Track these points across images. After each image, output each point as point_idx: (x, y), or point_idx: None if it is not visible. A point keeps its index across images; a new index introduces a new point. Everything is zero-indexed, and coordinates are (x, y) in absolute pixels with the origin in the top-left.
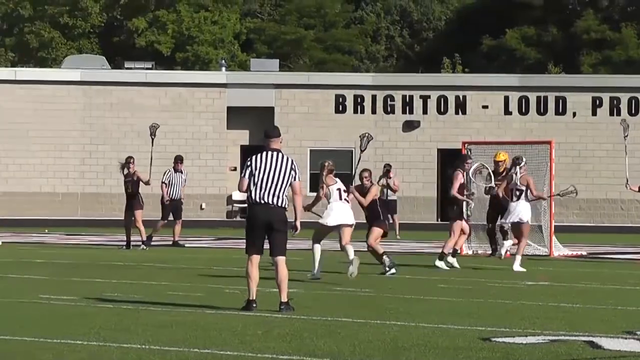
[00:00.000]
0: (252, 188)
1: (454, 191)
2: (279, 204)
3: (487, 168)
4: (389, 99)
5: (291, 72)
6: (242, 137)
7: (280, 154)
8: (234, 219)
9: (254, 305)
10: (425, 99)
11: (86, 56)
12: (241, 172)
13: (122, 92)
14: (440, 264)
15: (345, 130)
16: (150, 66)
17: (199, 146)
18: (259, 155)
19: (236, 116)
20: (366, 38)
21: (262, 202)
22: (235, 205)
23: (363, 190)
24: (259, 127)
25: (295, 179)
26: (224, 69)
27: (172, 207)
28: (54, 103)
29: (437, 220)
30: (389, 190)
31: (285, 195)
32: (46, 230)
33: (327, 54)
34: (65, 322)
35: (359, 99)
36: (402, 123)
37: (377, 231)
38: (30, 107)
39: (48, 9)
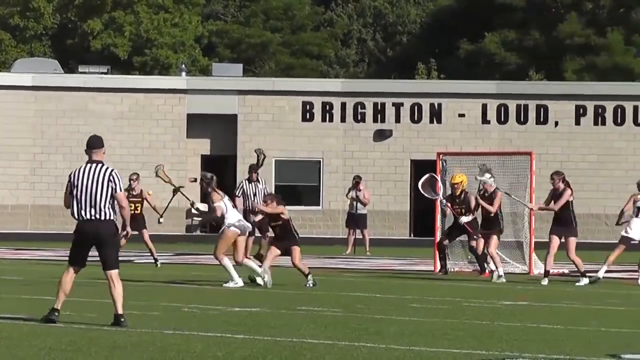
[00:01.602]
0: (74, 204)
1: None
2: (103, 218)
3: (436, 179)
4: (359, 107)
5: (256, 77)
6: (203, 146)
7: (99, 166)
8: (194, 233)
9: (56, 314)
10: (398, 106)
11: (38, 60)
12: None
13: (75, 97)
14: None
15: (313, 139)
16: (106, 70)
17: (157, 156)
18: (79, 169)
19: (197, 124)
20: (336, 42)
21: (86, 217)
22: (194, 219)
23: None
24: (221, 136)
25: (116, 191)
26: (184, 73)
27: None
28: (3, 109)
29: (410, 236)
30: (358, 204)
31: (110, 207)
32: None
33: (294, 59)
34: (14, 342)
35: (327, 107)
36: (373, 132)
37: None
38: None
39: None
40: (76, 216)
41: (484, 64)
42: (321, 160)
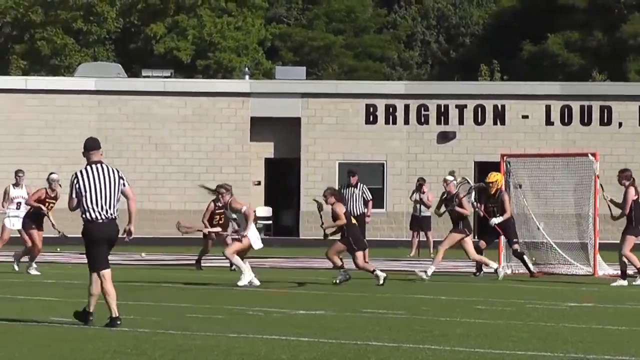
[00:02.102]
0: (87, 206)
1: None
2: (115, 217)
3: (468, 182)
4: (422, 109)
5: (319, 80)
6: (267, 149)
7: (103, 165)
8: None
9: (92, 318)
10: (461, 108)
11: (101, 64)
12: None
13: (139, 102)
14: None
15: (376, 142)
16: (169, 74)
17: (220, 159)
18: (83, 172)
19: (260, 127)
20: (399, 44)
21: (102, 218)
22: (259, 222)
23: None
24: (284, 139)
25: (124, 185)
26: (247, 77)
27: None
28: (66, 114)
29: (475, 238)
30: (422, 206)
31: (117, 207)
32: (58, 249)
33: (357, 61)
34: (79, 345)
35: (390, 109)
36: (436, 134)
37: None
38: (42, 118)
39: (61, 14)
40: (93, 218)
41: (546, 65)
42: (385, 162)
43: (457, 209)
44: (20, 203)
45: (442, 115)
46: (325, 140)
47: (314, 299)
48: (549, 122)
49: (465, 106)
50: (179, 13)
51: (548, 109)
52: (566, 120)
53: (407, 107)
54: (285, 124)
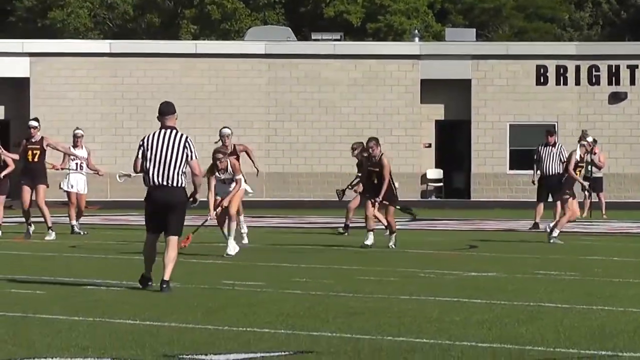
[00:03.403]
0: (147, 170)
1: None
2: (175, 184)
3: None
4: (593, 70)
5: (489, 42)
6: (437, 111)
7: (173, 132)
8: (429, 198)
9: (150, 282)
10: (632, 69)
11: (271, 27)
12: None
13: (308, 65)
14: None
15: (547, 103)
16: (339, 37)
17: (390, 122)
18: (152, 134)
19: (430, 89)
20: (570, 4)
21: (158, 183)
22: (430, 184)
23: (372, 162)
24: (454, 101)
25: (191, 158)
26: (417, 39)
27: (546, 186)
28: (236, 78)
29: None
30: (593, 167)
31: (183, 174)
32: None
33: (527, 22)
34: (251, 309)
35: (561, 70)
36: (607, 95)
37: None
38: (212, 82)
39: None
40: (149, 181)
41: None
42: (556, 124)
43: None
44: (80, 164)
45: (613, 75)
46: (495, 102)
47: (485, 260)
48: None
49: (637, 66)
50: None
51: None
52: None
53: (577, 68)
54: (455, 86)
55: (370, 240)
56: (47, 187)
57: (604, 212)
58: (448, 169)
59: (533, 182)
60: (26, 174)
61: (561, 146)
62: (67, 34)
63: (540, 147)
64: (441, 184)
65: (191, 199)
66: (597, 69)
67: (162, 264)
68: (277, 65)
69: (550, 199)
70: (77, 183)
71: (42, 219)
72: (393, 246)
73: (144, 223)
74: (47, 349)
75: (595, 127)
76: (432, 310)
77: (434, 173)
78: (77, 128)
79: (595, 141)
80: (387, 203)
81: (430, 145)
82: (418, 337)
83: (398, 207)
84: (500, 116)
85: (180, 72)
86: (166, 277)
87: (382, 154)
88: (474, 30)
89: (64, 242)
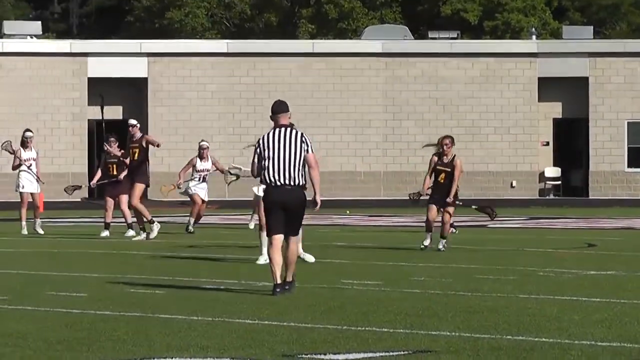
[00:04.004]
0: (265, 170)
1: None
2: (295, 184)
3: None
4: None
5: (606, 39)
6: (555, 109)
7: (289, 130)
8: (547, 197)
9: (278, 290)
10: None
11: (387, 26)
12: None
13: (425, 63)
14: None
15: None
16: (456, 35)
17: (508, 120)
18: (267, 134)
19: (548, 87)
20: None
21: (278, 183)
22: (548, 182)
23: (443, 162)
24: (572, 99)
25: (308, 152)
26: (534, 37)
27: None
28: (354, 77)
29: None
30: None
31: (302, 174)
32: (347, 212)
33: None
34: (370, 308)
35: None
36: None
37: None
38: (329, 81)
39: None
40: (268, 181)
41: None
42: None
43: None
44: (29, 165)
45: None
46: (613, 99)
47: (604, 259)
48: None
49: None
50: None
51: None
52: None
53: None
54: (573, 84)
55: (427, 241)
56: (148, 186)
57: None
58: (566, 167)
59: None
60: (127, 173)
61: None
62: (184, 33)
63: None
64: (559, 182)
65: (314, 205)
66: None
67: (283, 265)
68: (394, 64)
69: None
70: (31, 183)
71: (122, 219)
72: (443, 248)
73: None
74: (167, 349)
75: None
76: (551, 309)
77: (552, 171)
78: (27, 130)
79: None
80: (452, 205)
81: (548, 144)
82: (537, 336)
83: (475, 207)
84: (618, 114)
85: (297, 72)
86: (289, 278)
87: (454, 155)
88: (591, 27)
89: (178, 241)
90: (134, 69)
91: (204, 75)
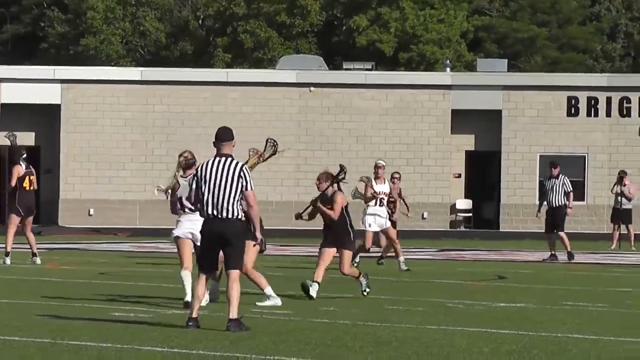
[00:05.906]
0: (202, 200)
1: None
2: (231, 216)
3: None
4: (625, 101)
5: (520, 72)
6: (467, 141)
7: (229, 160)
8: (458, 229)
9: (190, 324)
10: None
11: (302, 56)
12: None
13: (340, 94)
14: None
15: (578, 134)
16: (370, 67)
17: (421, 152)
18: (207, 163)
19: (461, 120)
20: (602, 35)
21: (213, 215)
22: (459, 214)
23: (324, 199)
24: (485, 132)
25: (246, 188)
26: (448, 69)
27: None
28: (268, 106)
29: None
30: (623, 199)
31: (240, 206)
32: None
33: (561, 53)
34: (279, 337)
35: (592, 101)
36: (638, 127)
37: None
38: (243, 110)
39: (264, 7)
40: (203, 212)
41: None
42: (586, 155)
43: None
44: None
45: None
46: (526, 132)
47: (514, 291)
48: None
49: None
50: (382, 5)
51: None
52: None
53: (609, 100)
54: (486, 116)
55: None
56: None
57: (632, 244)
58: (478, 199)
59: (537, 215)
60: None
61: (564, 178)
62: (99, 61)
63: (545, 180)
64: (470, 214)
65: (255, 240)
66: (629, 100)
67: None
68: (308, 94)
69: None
70: None
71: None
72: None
73: (175, 251)
74: None
75: (625, 158)
76: (460, 341)
77: (464, 203)
78: None
79: (625, 173)
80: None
81: (460, 176)
82: None
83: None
84: (530, 147)
85: (211, 100)
86: (232, 316)
87: (334, 191)
88: (506, 60)
89: (94, 269)
90: (48, 95)
91: (118, 102)
